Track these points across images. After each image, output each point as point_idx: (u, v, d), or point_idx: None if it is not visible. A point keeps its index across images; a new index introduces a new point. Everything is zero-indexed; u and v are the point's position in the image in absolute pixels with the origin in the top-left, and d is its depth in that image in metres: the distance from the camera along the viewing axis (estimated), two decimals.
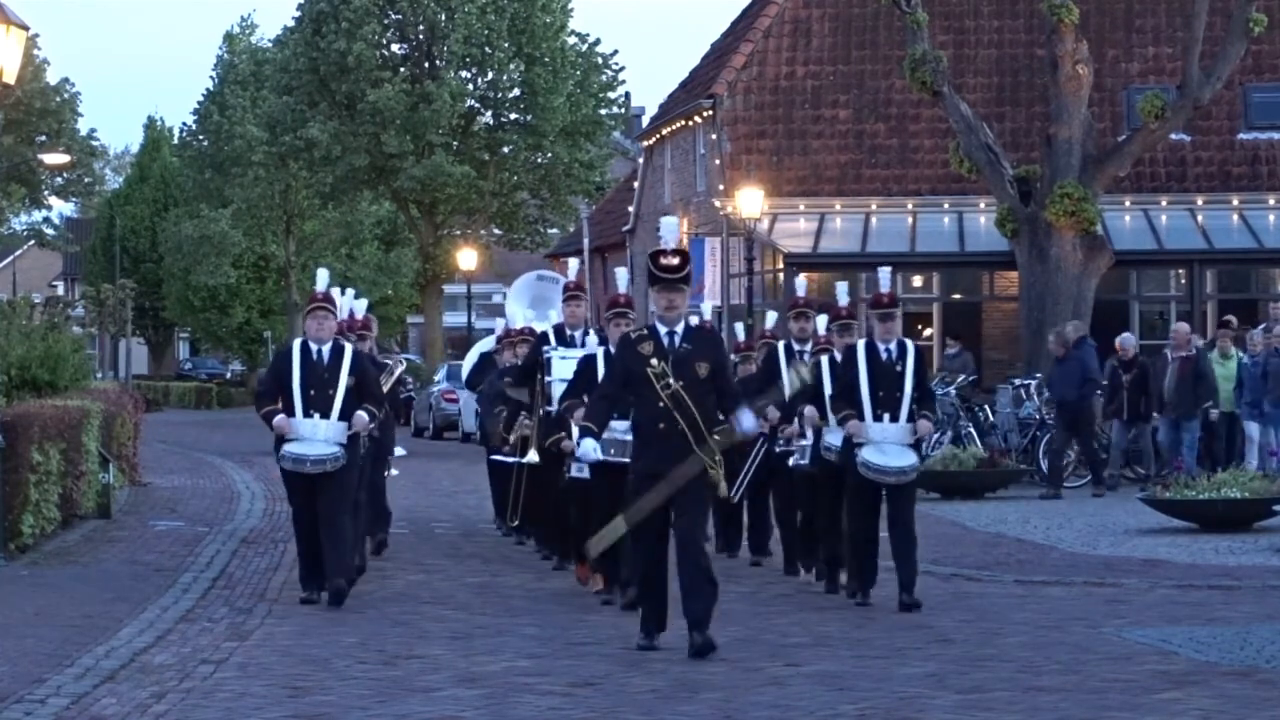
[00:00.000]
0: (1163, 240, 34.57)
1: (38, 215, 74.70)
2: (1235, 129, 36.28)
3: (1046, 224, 29.94)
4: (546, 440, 16.10)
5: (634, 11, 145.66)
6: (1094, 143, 30.79)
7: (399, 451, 19.85)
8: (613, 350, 14.33)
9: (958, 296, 36.20)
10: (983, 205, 34.03)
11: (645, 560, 12.58)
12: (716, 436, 12.37)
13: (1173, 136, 33.44)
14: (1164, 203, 35.51)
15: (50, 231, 76.63)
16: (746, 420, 12.45)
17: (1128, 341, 26.55)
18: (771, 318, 21.37)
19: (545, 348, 16.38)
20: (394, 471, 19.23)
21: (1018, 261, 31.38)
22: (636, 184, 46.73)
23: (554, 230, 60.32)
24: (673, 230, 12.73)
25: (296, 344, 14.99)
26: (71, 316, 46.71)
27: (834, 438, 15.26)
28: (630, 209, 46.63)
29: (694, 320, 12.96)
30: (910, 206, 35.99)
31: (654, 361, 12.22)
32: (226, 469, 31.45)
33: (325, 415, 14.67)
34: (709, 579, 12.24)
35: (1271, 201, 35.45)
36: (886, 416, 14.70)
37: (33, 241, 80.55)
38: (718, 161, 37.50)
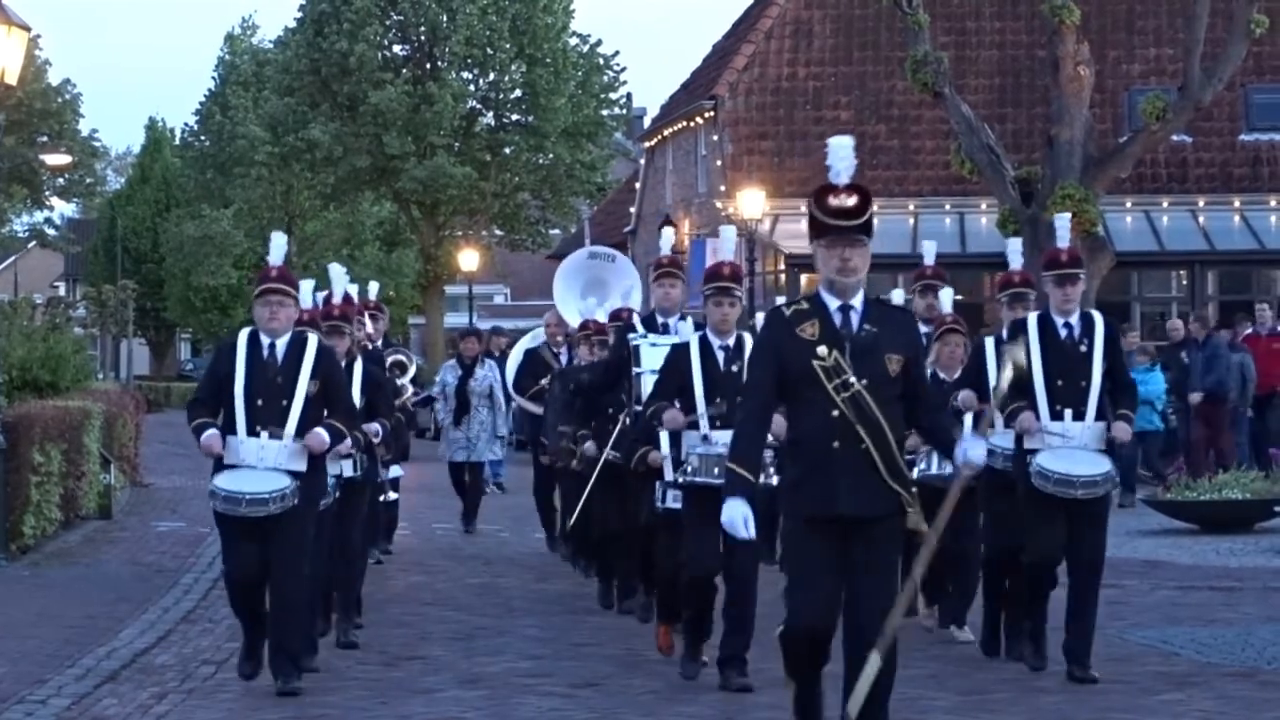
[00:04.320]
0: (1164, 241, 34.61)
1: (39, 216, 74.78)
2: (1236, 130, 36.33)
3: (1048, 225, 29.90)
4: (633, 458, 12.39)
5: (635, 12, 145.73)
6: (1095, 144, 30.77)
7: (395, 472, 16.14)
8: (711, 337, 11.35)
9: (959, 298, 36.11)
10: (984, 206, 34.03)
11: (807, 666, 8.39)
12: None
13: (1174, 138, 33.43)
14: (1165, 204, 35.55)
15: (52, 232, 76.63)
16: (974, 450, 8.42)
17: None
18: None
19: (632, 335, 13.14)
20: (392, 495, 16.57)
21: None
22: (638, 185, 46.77)
23: (555, 231, 60.33)
24: (847, 156, 8.40)
25: (243, 336, 11.11)
26: (73, 317, 46.68)
27: (1005, 439, 11.69)
28: (632, 210, 46.67)
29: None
30: (912, 207, 36.01)
31: (822, 350, 8.25)
32: None
33: (277, 434, 10.87)
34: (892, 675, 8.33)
35: (1272, 203, 35.48)
36: (1069, 413, 11.22)
37: (34, 242, 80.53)
38: (719, 162, 37.52)
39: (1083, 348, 11.26)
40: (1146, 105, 29.64)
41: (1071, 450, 11.17)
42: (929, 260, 13.89)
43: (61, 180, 70.82)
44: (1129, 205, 35.05)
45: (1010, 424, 11.33)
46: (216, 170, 65.59)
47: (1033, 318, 11.50)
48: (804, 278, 34.55)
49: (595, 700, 10.90)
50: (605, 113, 57.79)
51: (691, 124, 39.87)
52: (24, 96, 58.49)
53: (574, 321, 17.68)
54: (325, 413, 11.04)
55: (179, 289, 74.86)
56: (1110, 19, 37.18)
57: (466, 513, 21.70)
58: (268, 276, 11.14)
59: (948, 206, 35.86)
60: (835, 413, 8.18)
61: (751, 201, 34.80)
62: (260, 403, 10.83)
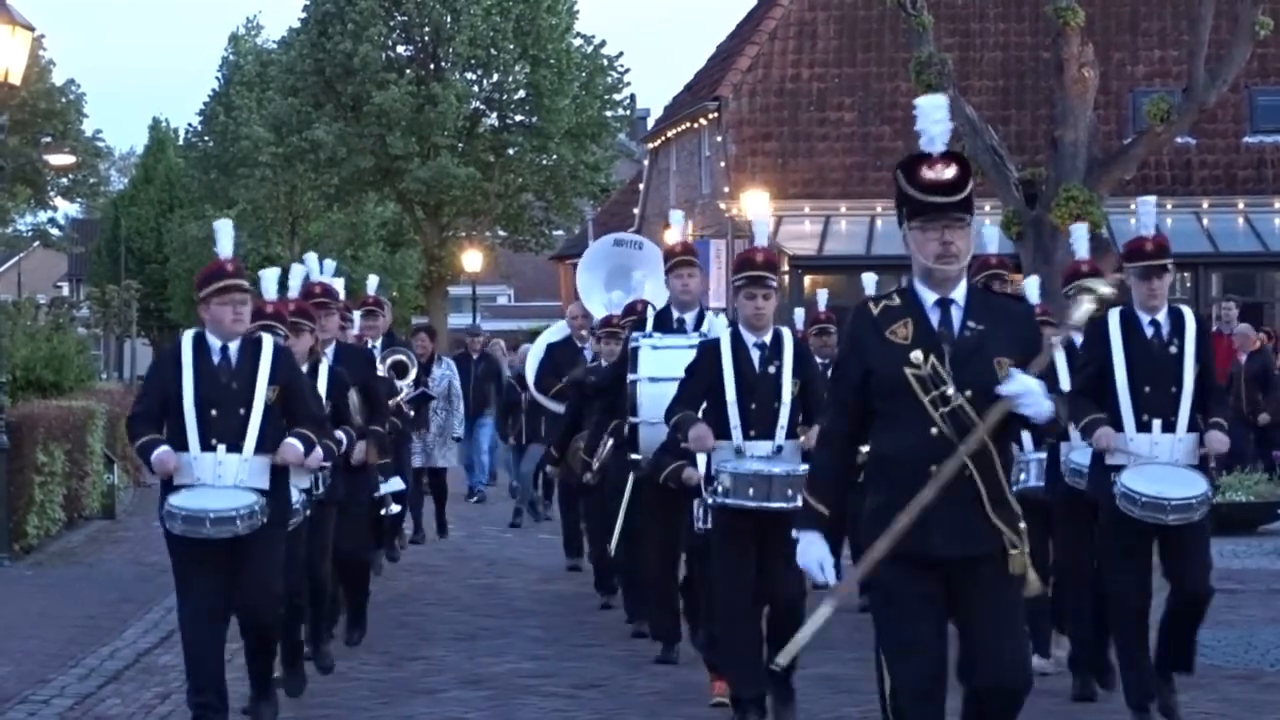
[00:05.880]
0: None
1: (43, 216, 74.91)
2: (1241, 132, 36.35)
3: (1052, 227, 29.90)
4: (663, 474, 10.91)
5: (639, 13, 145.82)
6: (1099, 146, 30.77)
7: (395, 484, 14.61)
8: (745, 334, 9.94)
9: None
10: (988, 208, 34.00)
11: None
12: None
13: (1178, 140, 33.45)
14: (1169, 206, 35.50)
15: (55, 232, 76.72)
16: (1021, 386, 6.72)
17: None
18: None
19: (634, 334, 11.71)
20: (394, 508, 14.86)
21: (1023, 264, 31.35)
22: (642, 186, 46.79)
23: (559, 232, 60.35)
24: (942, 119, 6.84)
25: (187, 340, 9.69)
26: (76, 317, 46.72)
27: (1082, 455, 10.16)
28: (635, 211, 46.66)
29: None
30: None
31: (915, 355, 6.76)
32: None
33: (235, 448, 9.52)
34: None
35: (1277, 204, 35.50)
36: (1157, 424, 9.69)
37: (38, 242, 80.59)
38: (723, 164, 37.51)
39: (1172, 349, 9.75)
40: (1151, 107, 29.63)
41: (1161, 467, 9.65)
42: (992, 249, 12.07)
43: (65, 180, 70.91)
44: (1133, 207, 34.97)
45: (1087, 438, 9.71)
46: (220, 171, 65.64)
47: (1114, 314, 9.94)
48: (807, 279, 34.56)
49: (598, 701, 10.90)
50: (609, 114, 57.79)
51: (695, 125, 39.86)
52: (28, 97, 58.52)
53: (599, 313, 16.36)
54: (286, 422, 9.73)
55: (183, 289, 74.79)
56: (1115, 21, 37.18)
57: (418, 523, 20.17)
58: (224, 271, 9.62)
59: None
60: (933, 431, 6.72)
61: (755, 203, 34.80)
62: (214, 414, 9.49)
